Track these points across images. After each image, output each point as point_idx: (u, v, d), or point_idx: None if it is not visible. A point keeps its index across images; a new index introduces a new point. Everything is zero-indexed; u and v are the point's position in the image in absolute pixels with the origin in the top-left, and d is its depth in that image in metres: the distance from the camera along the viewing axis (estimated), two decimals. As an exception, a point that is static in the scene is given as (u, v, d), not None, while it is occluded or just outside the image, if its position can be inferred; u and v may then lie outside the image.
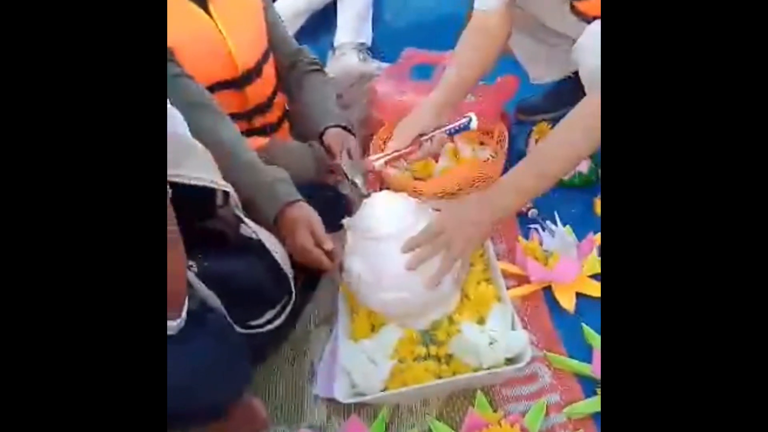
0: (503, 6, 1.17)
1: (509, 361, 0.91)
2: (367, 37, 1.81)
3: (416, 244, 0.92)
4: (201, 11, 1.17)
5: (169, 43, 1.10)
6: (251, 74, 1.22)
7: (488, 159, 1.29)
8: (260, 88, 1.26)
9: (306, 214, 1.01)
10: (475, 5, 1.20)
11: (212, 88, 1.18)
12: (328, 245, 0.98)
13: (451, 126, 1.19)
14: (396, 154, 1.16)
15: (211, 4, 1.17)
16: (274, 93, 1.30)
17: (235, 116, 1.24)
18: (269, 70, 1.28)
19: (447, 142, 1.23)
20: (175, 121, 1.02)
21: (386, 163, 1.17)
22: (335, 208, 1.17)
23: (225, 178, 0.93)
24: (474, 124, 1.19)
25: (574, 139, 0.96)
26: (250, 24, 1.25)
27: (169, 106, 1.05)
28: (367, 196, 1.06)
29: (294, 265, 0.98)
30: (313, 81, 1.36)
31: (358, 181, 1.15)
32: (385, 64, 1.72)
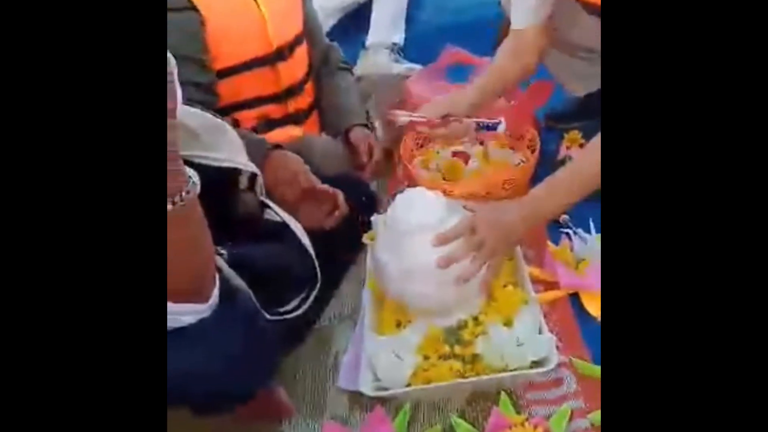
0: (539, 23, 1.22)
1: (535, 364, 0.90)
2: (400, 38, 1.82)
3: (448, 239, 0.92)
4: None
5: (207, 13, 1.13)
6: (284, 51, 1.24)
7: (519, 163, 1.28)
8: (292, 69, 1.28)
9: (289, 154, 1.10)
10: (512, 25, 1.25)
11: (247, 66, 1.20)
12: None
13: (481, 120, 1.25)
14: (422, 118, 1.23)
15: None
16: (306, 77, 1.32)
17: (271, 99, 1.26)
18: (302, 52, 1.30)
19: (472, 131, 1.28)
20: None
21: (410, 122, 1.23)
22: (365, 205, 1.18)
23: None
24: (502, 128, 1.25)
25: None
26: (287, 7, 1.27)
27: None
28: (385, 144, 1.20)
29: (319, 254, 0.99)
30: (342, 78, 1.39)
31: (377, 124, 1.25)
32: (417, 66, 1.73)
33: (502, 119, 1.26)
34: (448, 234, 0.93)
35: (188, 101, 1.13)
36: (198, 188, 0.81)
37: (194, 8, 1.13)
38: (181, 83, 1.09)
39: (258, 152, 1.06)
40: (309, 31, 1.35)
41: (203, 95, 1.15)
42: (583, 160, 1.00)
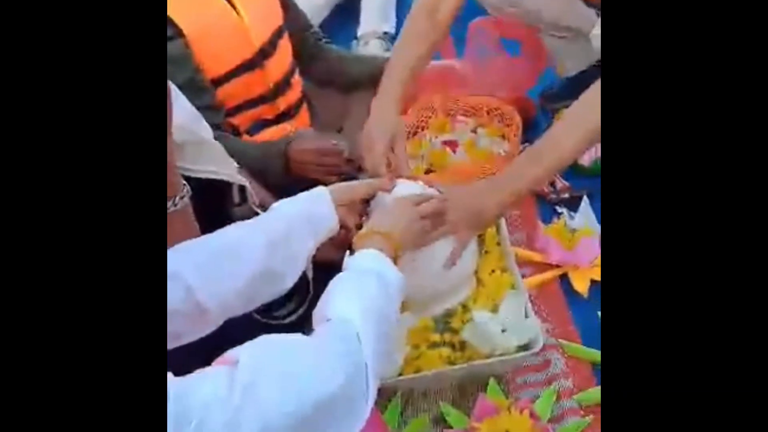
0: None
1: (521, 348, 0.92)
2: (391, 26, 1.81)
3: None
4: None
5: (191, 34, 1.16)
6: (267, 49, 1.26)
7: (501, 153, 1.28)
8: (277, 64, 1.29)
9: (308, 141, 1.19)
10: None
11: (234, 73, 1.22)
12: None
13: None
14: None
15: None
16: (292, 71, 1.34)
17: (260, 100, 1.29)
18: (284, 44, 1.31)
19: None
20: (191, 117, 1.05)
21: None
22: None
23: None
24: None
25: (586, 119, 0.93)
26: (264, 1, 1.28)
27: (187, 104, 1.09)
28: None
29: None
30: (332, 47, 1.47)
31: None
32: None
33: None
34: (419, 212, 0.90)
35: (213, 127, 1.15)
36: (189, 194, 0.84)
37: (179, 34, 1.15)
38: (198, 110, 1.13)
39: (277, 151, 1.17)
40: (291, 19, 1.36)
41: (212, 115, 1.18)
42: (557, 131, 0.97)
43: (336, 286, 0.69)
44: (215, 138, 1.12)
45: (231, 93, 1.24)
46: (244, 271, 0.75)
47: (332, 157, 1.18)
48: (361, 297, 0.66)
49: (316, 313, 0.67)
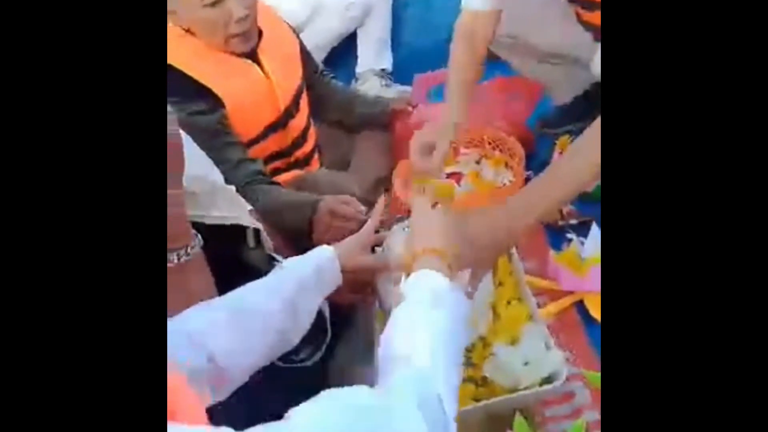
0: (490, 7, 1.20)
1: (545, 380, 0.91)
2: (388, 63, 1.85)
3: None
4: (251, 65, 1.23)
5: (229, 104, 1.19)
6: (291, 110, 1.29)
7: (505, 184, 1.29)
8: (298, 122, 1.32)
9: (331, 203, 1.13)
10: (463, 4, 1.22)
11: (262, 136, 1.26)
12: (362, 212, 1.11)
13: None
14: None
15: (260, 53, 1.24)
16: (309, 125, 1.37)
17: (277, 155, 1.32)
18: (304, 101, 1.34)
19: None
20: (204, 164, 1.06)
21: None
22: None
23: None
24: None
25: (593, 150, 0.94)
26: (289, 62, 1.32)
27: (199, 151, 1.10)
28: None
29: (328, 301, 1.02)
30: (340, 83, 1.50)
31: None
32: (407, 88, 1.76)
33: None
34: None
35: (255, 173, 1.18)
36: (200, 244, 0.85)
37: (221, 104, 1.18)
38: (238, 163, 1.14)
39: (307, 209, 1.13)
40: (308, 73, 1.38)
41: (255, 165, 1.21)
42: (564, 161, 0.97)
43: (398, 319, 0.66)
44: (259, 184, 1.14)
45: (255, 153, 1.26)
46: (264, 335, 0.78)
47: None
48: (426, 329, 0.63)
49: (382, 350, 0.65)
